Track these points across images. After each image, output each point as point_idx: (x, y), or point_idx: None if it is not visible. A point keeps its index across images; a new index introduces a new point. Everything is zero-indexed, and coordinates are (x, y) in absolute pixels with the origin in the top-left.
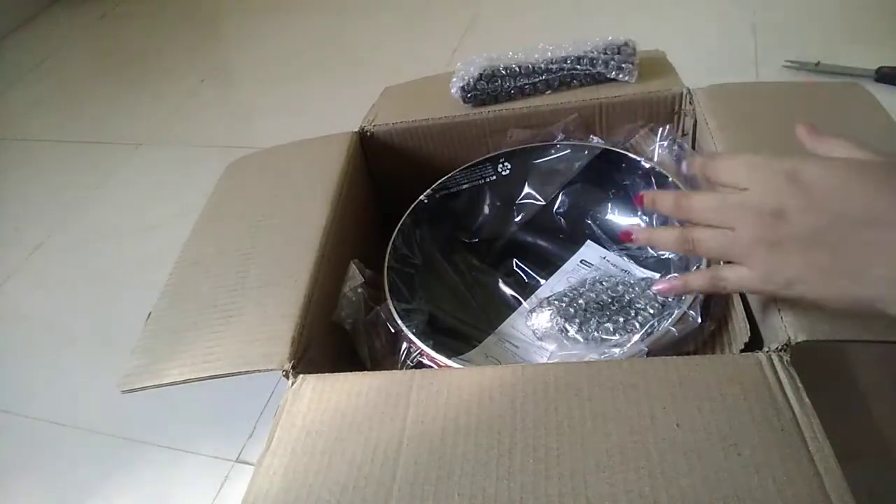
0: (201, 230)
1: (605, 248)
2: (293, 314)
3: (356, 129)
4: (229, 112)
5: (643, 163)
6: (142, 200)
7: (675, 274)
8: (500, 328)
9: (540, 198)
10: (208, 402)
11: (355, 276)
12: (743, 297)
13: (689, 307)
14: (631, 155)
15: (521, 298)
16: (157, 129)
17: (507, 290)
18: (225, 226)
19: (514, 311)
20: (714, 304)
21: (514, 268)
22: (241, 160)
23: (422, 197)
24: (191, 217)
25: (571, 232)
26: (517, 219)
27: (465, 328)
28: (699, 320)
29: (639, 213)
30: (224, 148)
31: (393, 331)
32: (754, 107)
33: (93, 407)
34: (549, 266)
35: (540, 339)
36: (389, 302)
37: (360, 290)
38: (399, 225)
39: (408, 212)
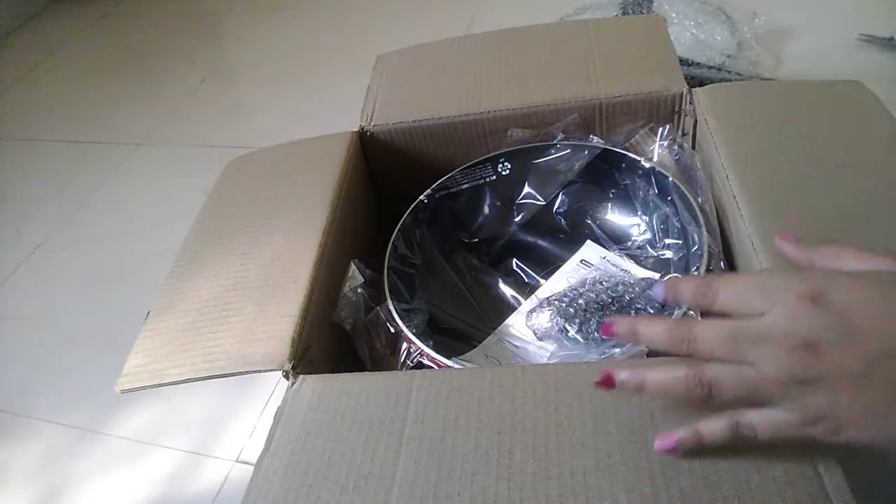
0: (200, 229)
1: (605, 247)
2: (293, 314)
3: (356, 129)
4: (229, 112)
5: (643, 163)
6: (142, 200)
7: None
8: (500, 328)
9: (540, 198)
10: (208, 402)
11: (355, 276)
12: None
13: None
14: (631, 155)
15: (521, 298)
16: (157, 129)
17: (507, 290)
18: (224, 225)
19: (514, 311)
20: None
21: (514, 268)
22: (240, 159)
23: (422, 197)
24: (191, 217)
25: (571, 232)
26: (517, 219)
27: (465, 328)
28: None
29: (639, 214)
30: (224, 148)
31: (393, 331)
32: (754, 107)
33: (92, 407)
34: (549, 266)
35: (540, 339)
36: (389, 302)
37: (360, 290)
38: (399, 225)
39: (408, 212)
